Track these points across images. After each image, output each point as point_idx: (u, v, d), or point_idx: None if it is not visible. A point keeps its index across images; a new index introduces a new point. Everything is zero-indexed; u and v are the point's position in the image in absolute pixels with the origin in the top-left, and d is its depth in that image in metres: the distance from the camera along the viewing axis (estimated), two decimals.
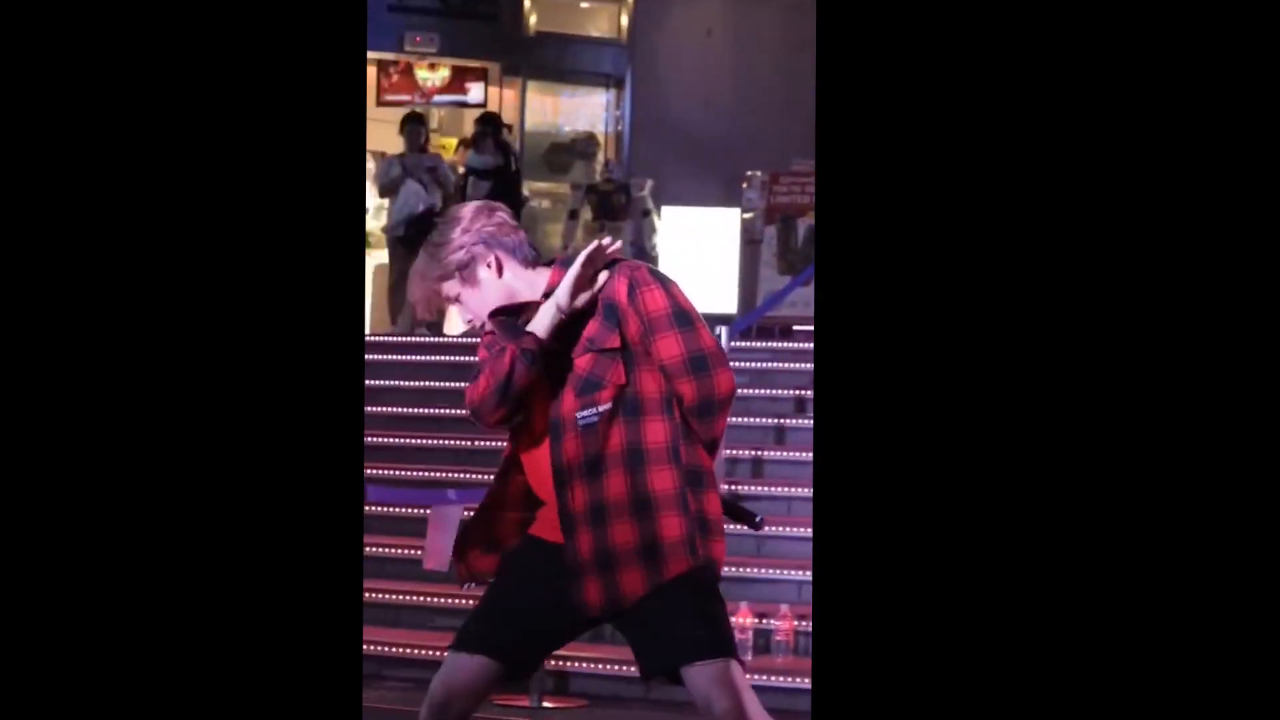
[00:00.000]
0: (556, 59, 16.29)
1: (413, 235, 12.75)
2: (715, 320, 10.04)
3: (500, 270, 3.82)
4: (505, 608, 3.93)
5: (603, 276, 3.80)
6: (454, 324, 3.83)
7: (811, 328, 9.64)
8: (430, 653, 7.06)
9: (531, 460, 3.87)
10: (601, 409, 3.76)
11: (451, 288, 3.81)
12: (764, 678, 6.95)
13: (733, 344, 8.95)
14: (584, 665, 7.19)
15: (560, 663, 7.10)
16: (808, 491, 8.26)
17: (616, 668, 7.17)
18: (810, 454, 8.98)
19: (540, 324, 3.75)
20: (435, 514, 7.35)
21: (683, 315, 3.80)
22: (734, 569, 7.80)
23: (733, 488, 8.67)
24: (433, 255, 3.81)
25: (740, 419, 9.18)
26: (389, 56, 15.75)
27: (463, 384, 3.87)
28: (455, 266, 3.79)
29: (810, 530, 7.82)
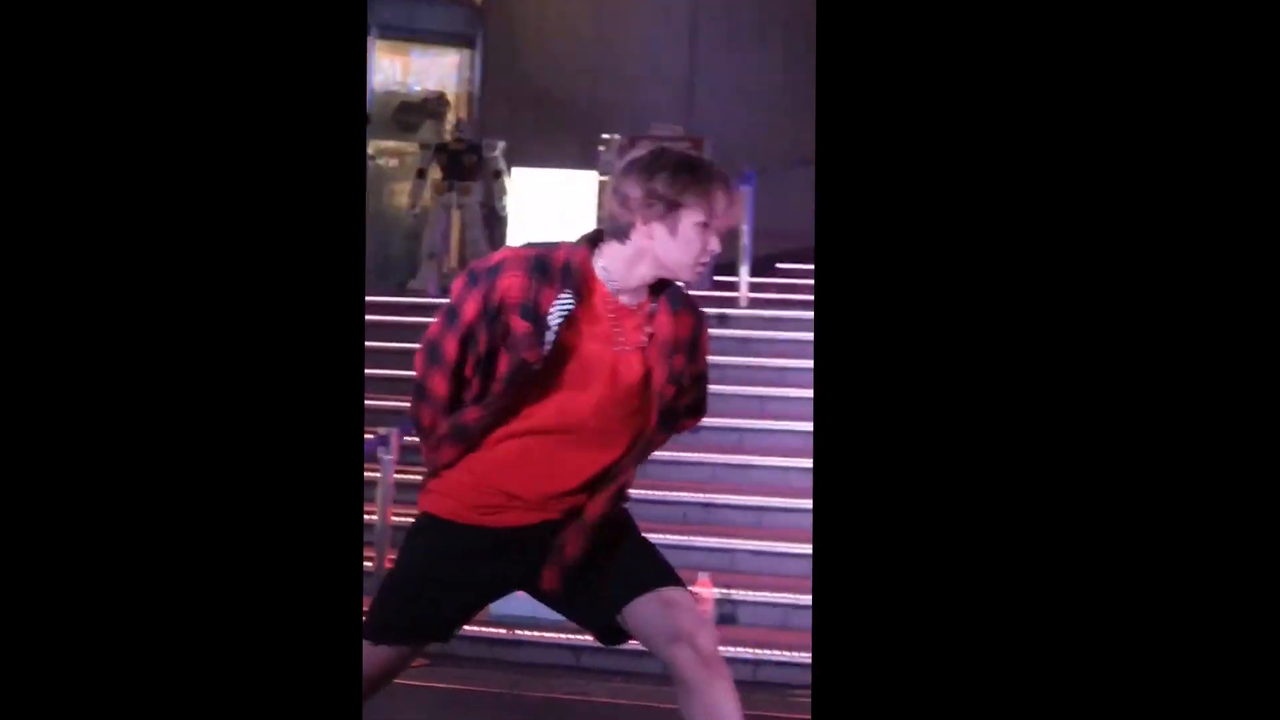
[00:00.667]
0: (406, 18, 16.10)
1: None
2: None
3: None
4: (426, 595, 3.75)
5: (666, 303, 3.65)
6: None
7: None
8: None
9: (554, 450, 3.67)
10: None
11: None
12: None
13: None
14: None
15: None
16: (665, 454, 8.24)
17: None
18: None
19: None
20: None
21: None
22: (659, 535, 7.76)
23: None
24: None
25: None
26: None
27: None
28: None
29: (666, 494, 7.80)
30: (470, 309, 3.58)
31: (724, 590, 7.06)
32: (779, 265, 11.91)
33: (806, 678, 6.88)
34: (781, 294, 10.97)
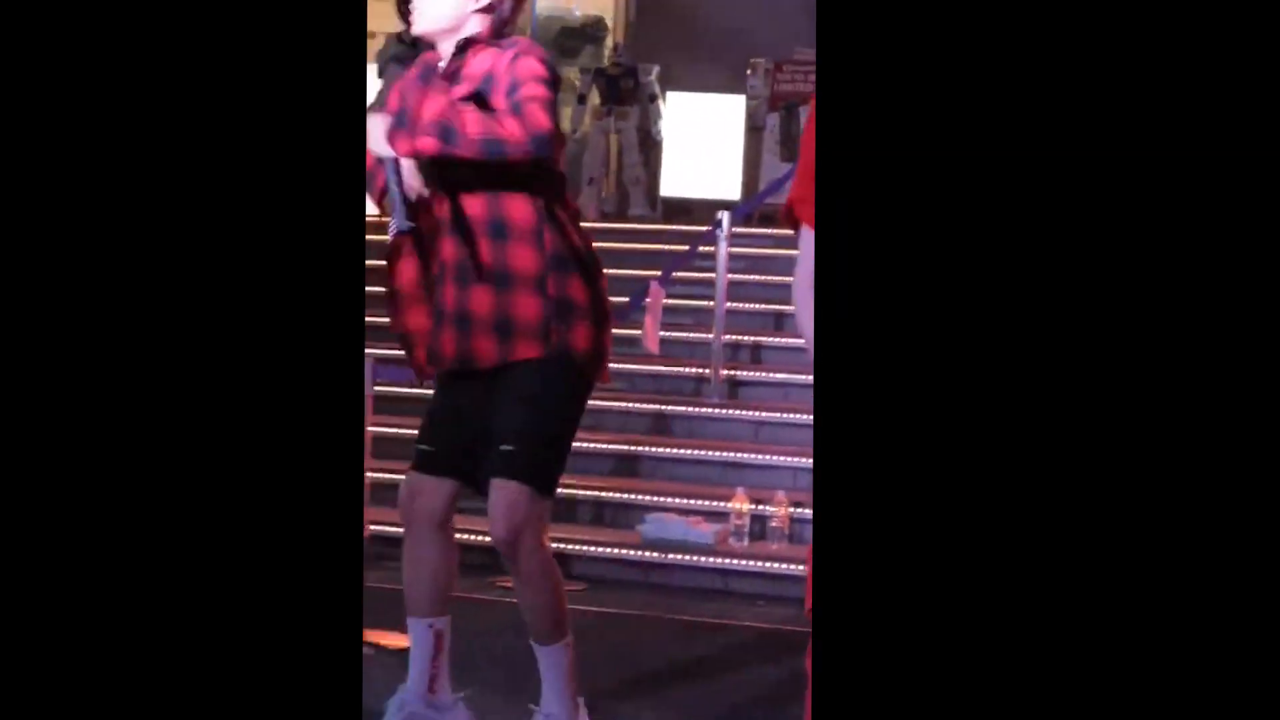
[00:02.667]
0: None
1: None
2: (719, 206, 10.12)
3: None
4: (440, 418, 4.07)
5: (492, 50, 3.86)
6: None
7: None
8: None
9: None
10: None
11: None
12: (759, 564, 7.05)
13: (734, 230, 9.00)
14: (582, 549, 7.29)
15: (559, 545, 7.19)
16: (805, 377, 8.35)
17: (614, 551, 7.29)
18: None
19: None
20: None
21: (550, 82, 3.83)
22: (731, 453, 7.92)
23: (732, 373, 8.77)
24: None
25: (739, 305, 9.26)
26: None
27: None
28: None
29: (807, 417, 7.93)
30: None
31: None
32: None
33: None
34: None
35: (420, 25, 3.91)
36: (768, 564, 7.00)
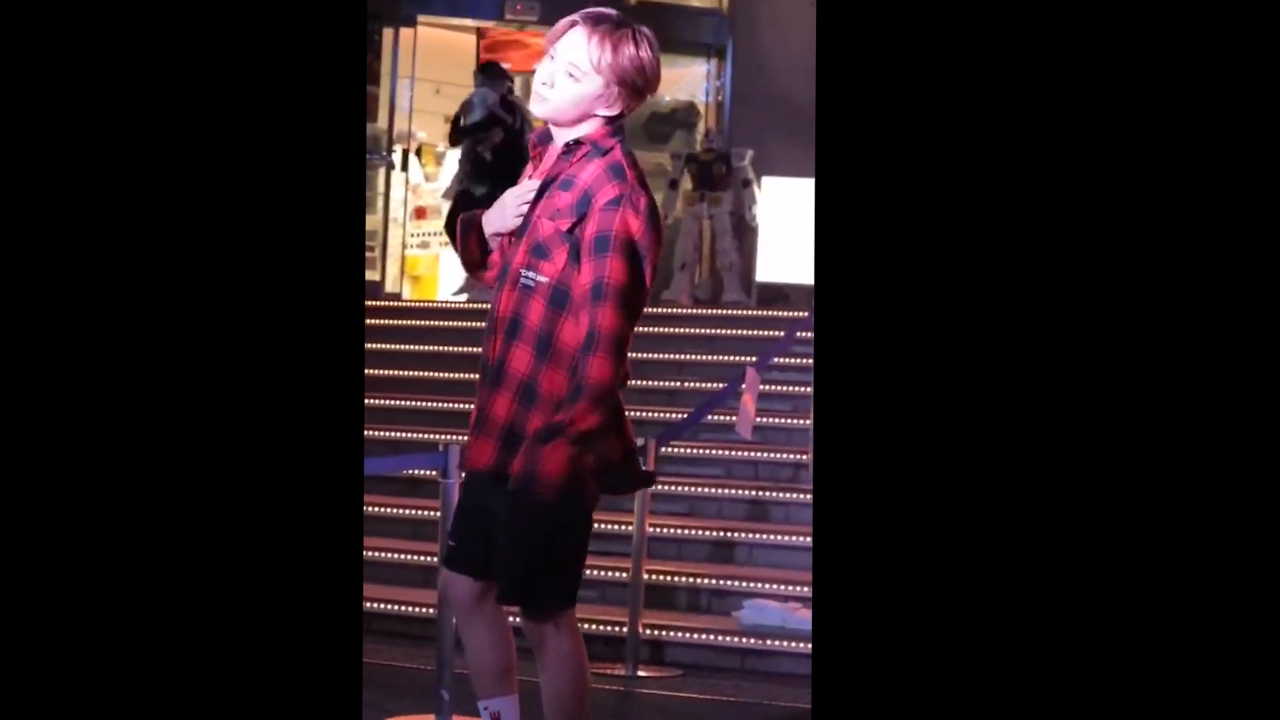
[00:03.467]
0: (657, 28, 16.22)
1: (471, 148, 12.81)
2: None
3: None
4: (460, 514, 3.99)
5: (599, 161, 3.75)
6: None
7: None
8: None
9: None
10: (539, 279, 3.72)
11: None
12: None
13: None
14: (679, 635, 7.20)
15: (656, 632, 7.12)
16: None
17: (711, 637, 7.18)
18: None
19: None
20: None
21: (637, 252, 3.70)
22: None
23: None
24: None
25: None
26: (489, 24, 15.76)
27: (465, 347, 3.90)
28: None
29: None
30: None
31: None
32: None
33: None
34: None
35: (544, 110, 3.81)
36: None
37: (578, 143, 3.78)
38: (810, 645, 6.97)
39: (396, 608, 7.43)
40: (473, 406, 3.90)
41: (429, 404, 9.81)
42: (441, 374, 10.15)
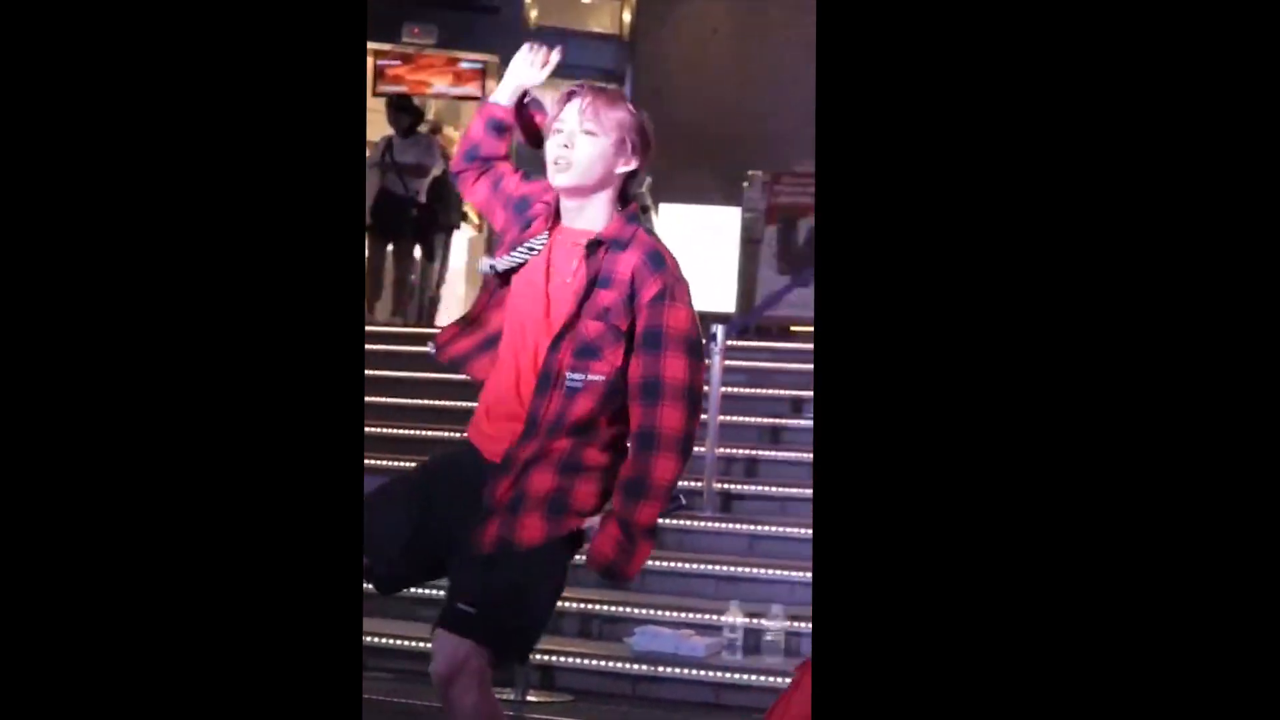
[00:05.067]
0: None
1: (379, 223, 12.78)
2: (713, 319, 10.01)
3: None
4: (384, 528, 3.90)
5: (631, 253, 3.81)
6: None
7: (810, 329, 9.62)
8: (417, 643, 7.01)
9: (507, 388, 3.87)
10: (591, 378, 3.76)
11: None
12: (752, 677, 6.91)
13: (729, 343, 8.90)
14: (570, 660, 7.15)
15: (546, 657, 7.05)
16: (802, 491, 8.23)
17: (602, 663, 7.14)
18: (806, 453, 8.91)
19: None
20: None
21: (695, 344, 3.82)
22: (726, 568, 7.78)
23: (726, 487, 8.63)
24: None
25: (736, 418, 9.15)
26: (384, 47, 15.69)
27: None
28: None
29: (805, 531, 7.82)
30: (512, 178, 4.09)
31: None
32: None
33: None
34: None
35: (569, 178, 3.86)
36: (762, 678, 6.87)
37: (598, 243, 3.85)
38: (703, 672, 6.98)
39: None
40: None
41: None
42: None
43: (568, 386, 3.76)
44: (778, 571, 7.66)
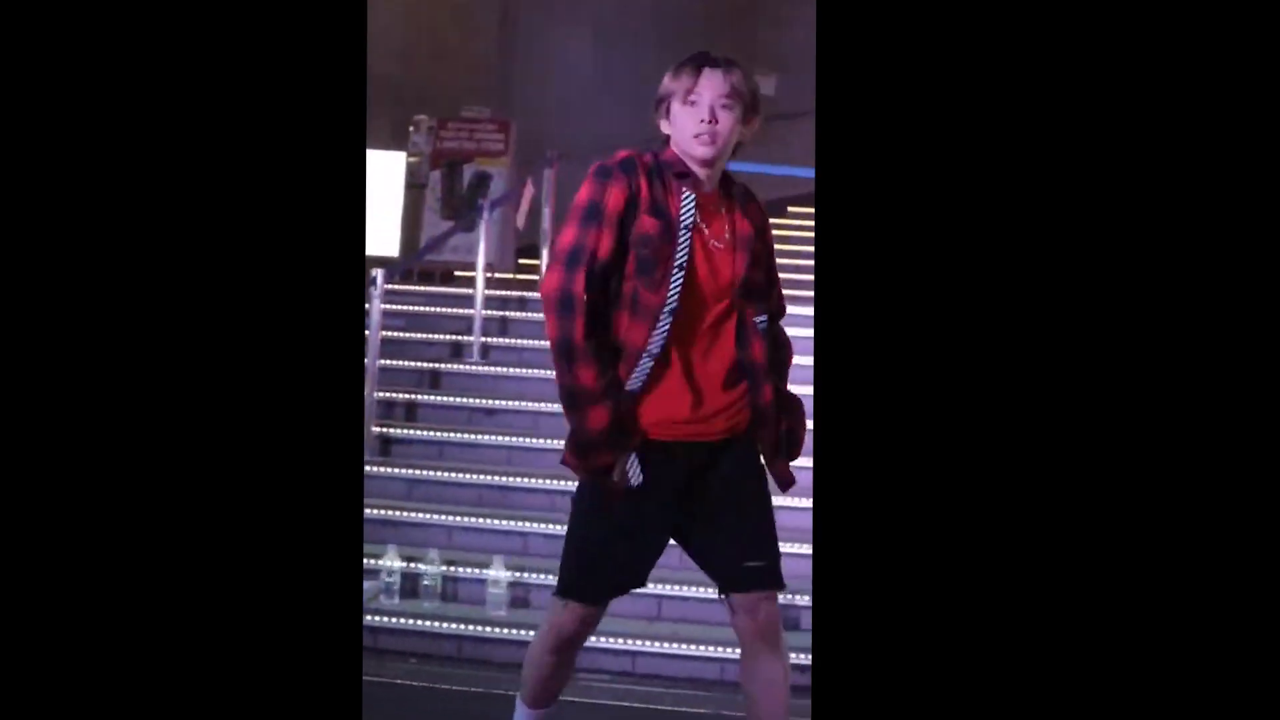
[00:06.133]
0: None
1: None
2: (376, 263, 9.97)
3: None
4: (627, 550, 4.02)
5: (754, 203, 4.06)
6: None
7: (472, 273, 9.64)
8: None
9: (695, 354, 3.95)
10: (762, 321, 4.00)
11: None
12: (410, 621, 6.89)
13: (388, 287, 8.86)
14: None
15: None
16: (460, 436, 8.25)
17: None
18: (466, 399, 8.87)
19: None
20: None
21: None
22: (384, 512, 7.75)
23: (385, 431, 8.60)
24: None
25: (396, 362, 9.12)
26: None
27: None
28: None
29: (464, 476, 7.85)
30: (616, 201, 3.92)
31: (516, 573, 7.13)
32: None
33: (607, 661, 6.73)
34: None
35: (714, 149, 3.96)
36: (419, 622, 6.85)
37: (737, 186, 4.07)
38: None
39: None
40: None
41: None
42: None
43: (759, 329, 3.98)
44: (436, 516, 7.66)
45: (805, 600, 6.54)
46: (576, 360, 3.79)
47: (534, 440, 8.47)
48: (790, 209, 13.47)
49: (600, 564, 4.03)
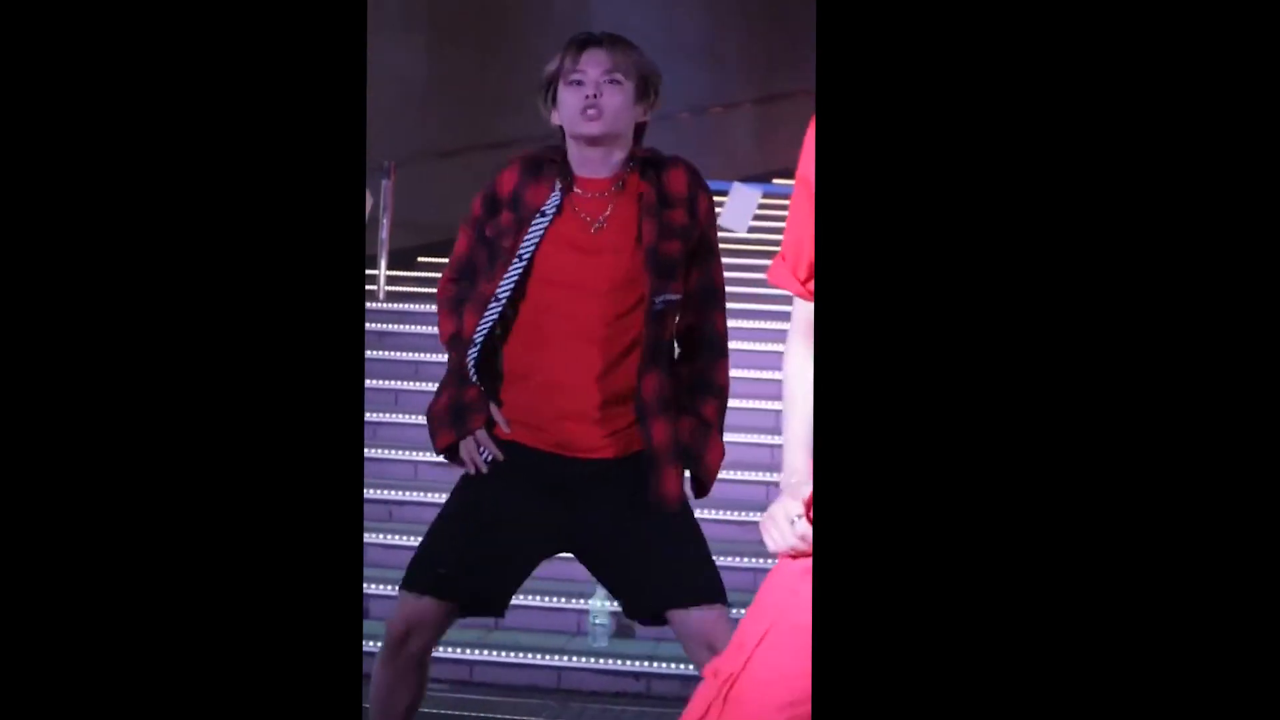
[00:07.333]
0: None
1: None
2: None
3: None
4: (474, 545, 3.81)
5: (677, 171, 3.86)
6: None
7: None
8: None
9: (564, 339, 3.78)
10: (672, 298, 3.78)
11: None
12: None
13: None
14: None
15: None
16: None
17: None
18: None
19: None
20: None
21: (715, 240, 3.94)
22: None
23: None
24: None
25: None
26: None
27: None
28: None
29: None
30: (477, 206, 3.88)
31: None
32: (420, 259, 11.90)
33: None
34: (420, 287, 10.98)
35: (600, 126, 3.85)
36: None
37: (647, 160, 3.89)
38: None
39: None
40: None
41: None
42: None
43: (656, 309, 3.78)
44: None
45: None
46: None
47: (372, 451, 8.36)
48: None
49: (434, 552, 3.90)
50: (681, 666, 6.25)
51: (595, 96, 3.82)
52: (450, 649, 6.56)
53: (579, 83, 3.85)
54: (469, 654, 6.65)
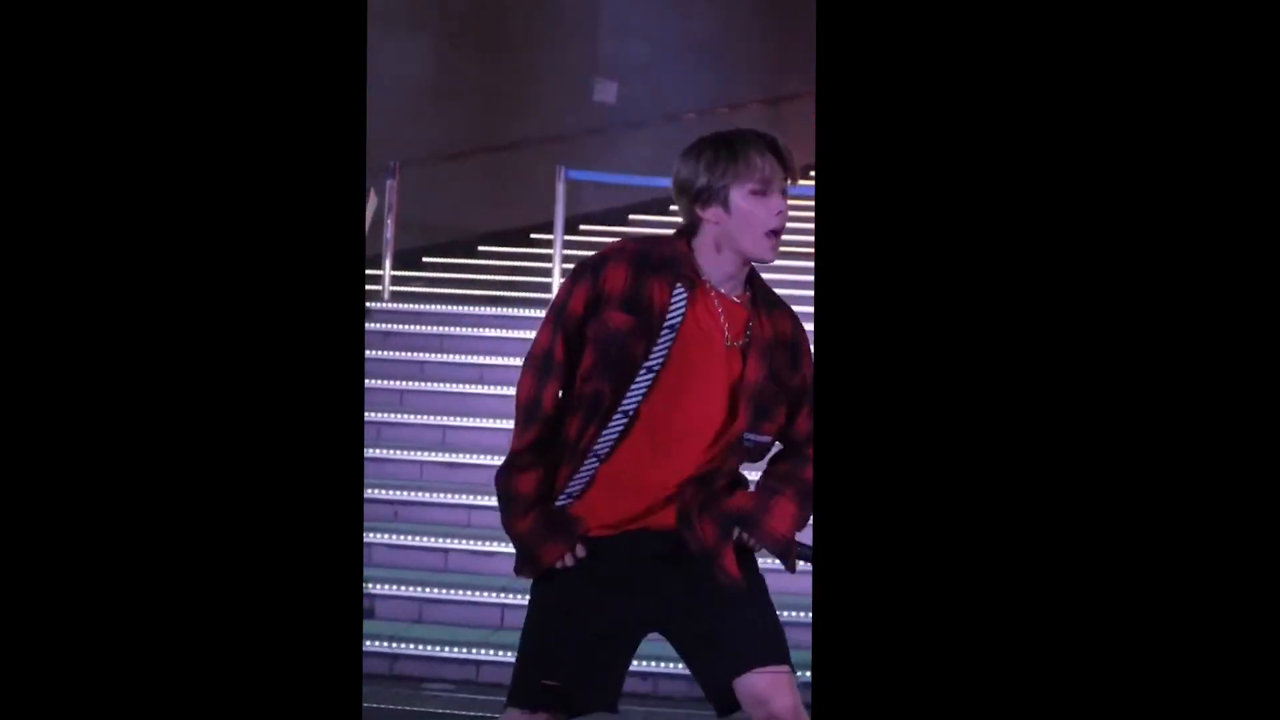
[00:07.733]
0: None
1: None
2: None
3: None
4: (565, 646, 3.51)
5: (782, 312, 3.57)
6: None
7: None
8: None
9: (663, 446, 3.48)
10: (761, 439, 3.52)
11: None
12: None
13: None
14: None
15: None
16: None
17: None
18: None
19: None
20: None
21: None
22: None
23: None
24: None
25: None
26: None
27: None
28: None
29: None
30: (576, 303, 3.45)
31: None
32: (425, 260, 11.92)
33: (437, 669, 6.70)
34: (424, 287, 10.96)
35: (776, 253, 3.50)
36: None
37: (762, 289, 3.57)
38: None
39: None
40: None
41: None
42: None
43: (744, 445, 3.50)
44: None
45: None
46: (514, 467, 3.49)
47: (376, 451, 8.35)
48: (630, 216, 13.50)
49: (529, 664, 3.56)
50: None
51: (782, 215, 3.46)
52: (456, 649, 6.56)
53: (765, 195, 3.46)
54: (475, 654, 6.64)
